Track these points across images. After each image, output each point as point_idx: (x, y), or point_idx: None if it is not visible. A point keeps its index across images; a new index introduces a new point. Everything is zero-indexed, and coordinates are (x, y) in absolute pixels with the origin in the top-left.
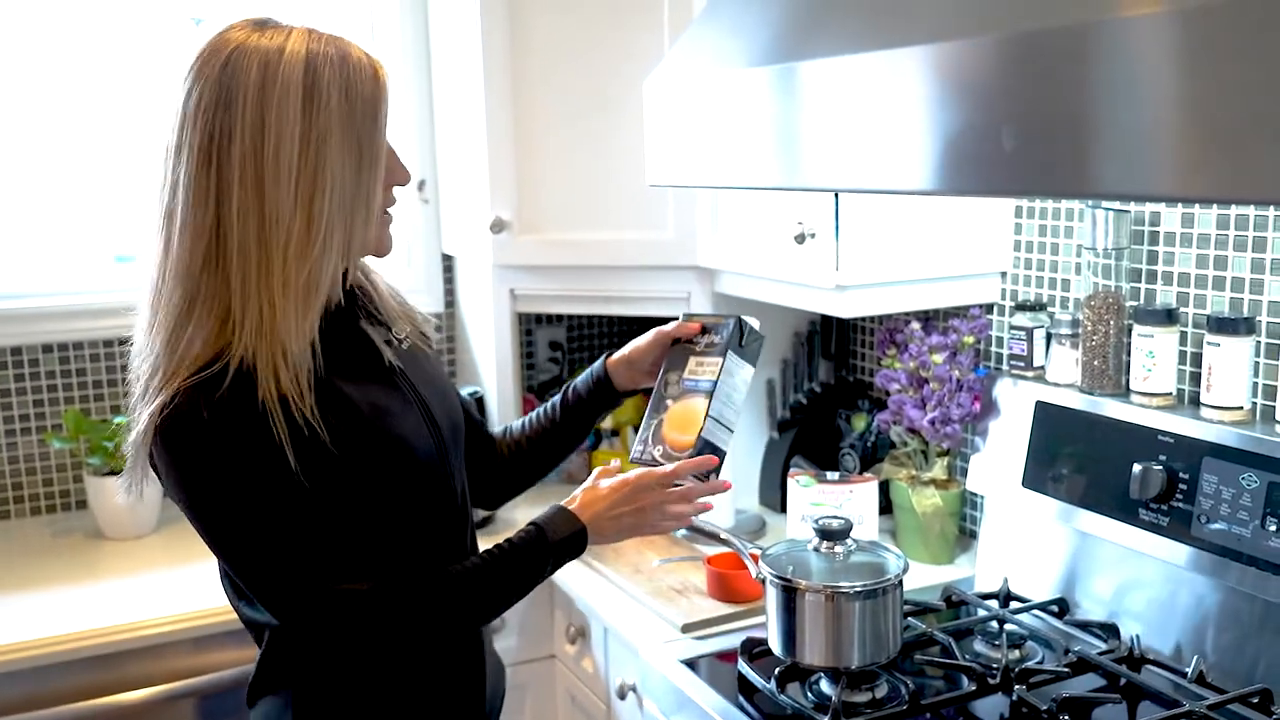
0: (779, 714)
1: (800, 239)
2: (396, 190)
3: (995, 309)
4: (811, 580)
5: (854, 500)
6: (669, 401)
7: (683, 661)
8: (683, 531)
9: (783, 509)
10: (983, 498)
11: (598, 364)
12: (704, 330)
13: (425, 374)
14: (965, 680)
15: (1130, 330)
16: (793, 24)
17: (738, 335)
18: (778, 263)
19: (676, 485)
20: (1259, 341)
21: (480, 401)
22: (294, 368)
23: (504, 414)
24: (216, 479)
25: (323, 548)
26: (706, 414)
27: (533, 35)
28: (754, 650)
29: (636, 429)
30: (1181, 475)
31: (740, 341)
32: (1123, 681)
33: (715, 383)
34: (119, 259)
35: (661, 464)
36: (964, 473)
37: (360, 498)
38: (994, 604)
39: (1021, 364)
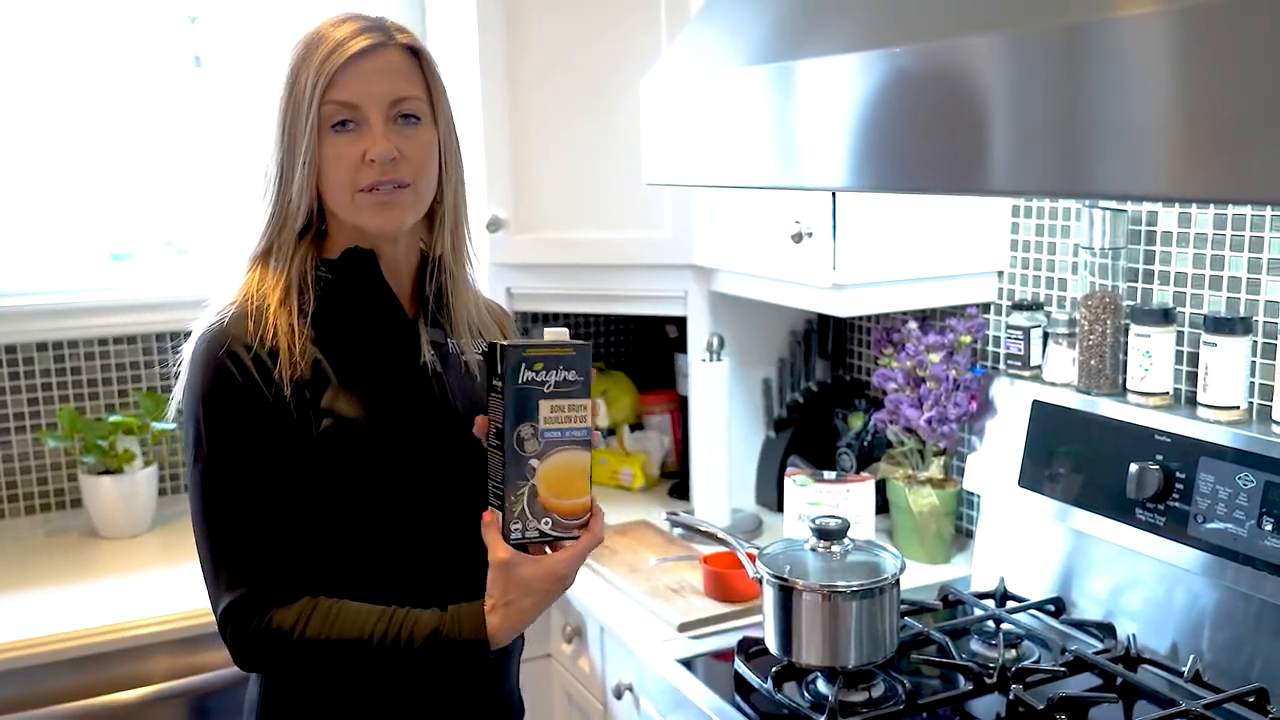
0: (775, 713)
1: (797, 238)
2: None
3: (992, 308)
4: (808, 580)
5: (850, 499)
6: (533, 463)
7: (679, 661)
8: (679, 530)
9: (779, 508)
10: (979, 497)
11: None
12: (546, 366)
13: (470, 392)
14: (962, 680)
15: (1127, 330)
16: (790, 23)
17: (589, 359)
18: (775, 262)
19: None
20: (1255, 341)
21: None
22: (258, 308)
23: None
24: (195, 396)
25: (264, 521)
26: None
27: (529, 34)
28: (750, 650)
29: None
30: (1178, 475)
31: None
32: (1119, 681)
33: (590, 430)
34: (114, 257)
35: (553, 536)
36: (960, 472)
37: (330, 480)
38: (990, 603)
39: (1018, 363)
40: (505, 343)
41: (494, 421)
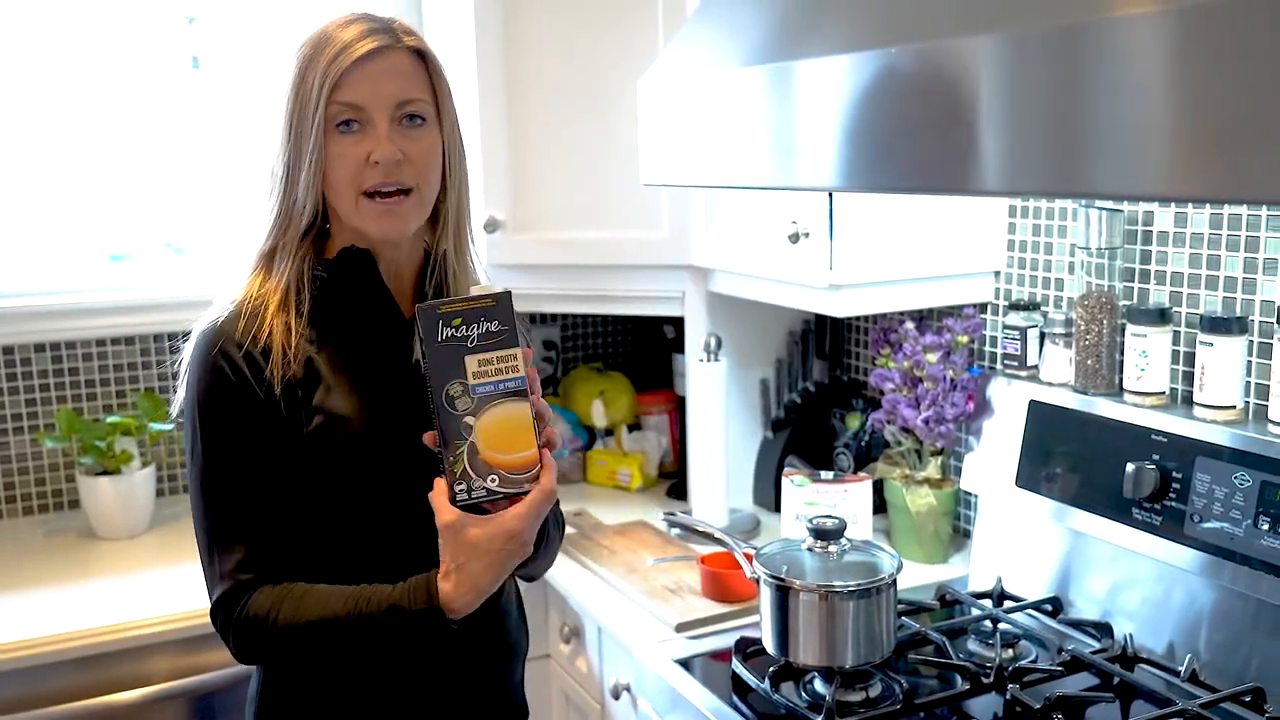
0: (773, 713)
1: (794, 238)
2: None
3: (989, 308)
4: (805, 580)
5: (848, 499)
6: (468, 420)
7: (677, 661)
8: (677, 530)
9: (777, 508)
10: (976, 497)
11: None
12: (466, 320)
13: None
14: (959, 679)
15: (1123, 330)
16: (787, 23)
17: (511, 308)
18: (772, 262)
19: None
20: (1251, 341)
21: None
22: (255, 308)
23: None
24: (192, 395)
25: (256, 515)
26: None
27: (527, 34)
28: (748, 650)
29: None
30: (1174, 474)
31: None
32: (1116, 680)
33: (524, 379)
34: (113, 258)
35: (502, 493)
36: (958, 472)
37: (322, 476)
38: (988, 603)
39: (1015, 363)
40: (420, 305)
41: (428, 387)
